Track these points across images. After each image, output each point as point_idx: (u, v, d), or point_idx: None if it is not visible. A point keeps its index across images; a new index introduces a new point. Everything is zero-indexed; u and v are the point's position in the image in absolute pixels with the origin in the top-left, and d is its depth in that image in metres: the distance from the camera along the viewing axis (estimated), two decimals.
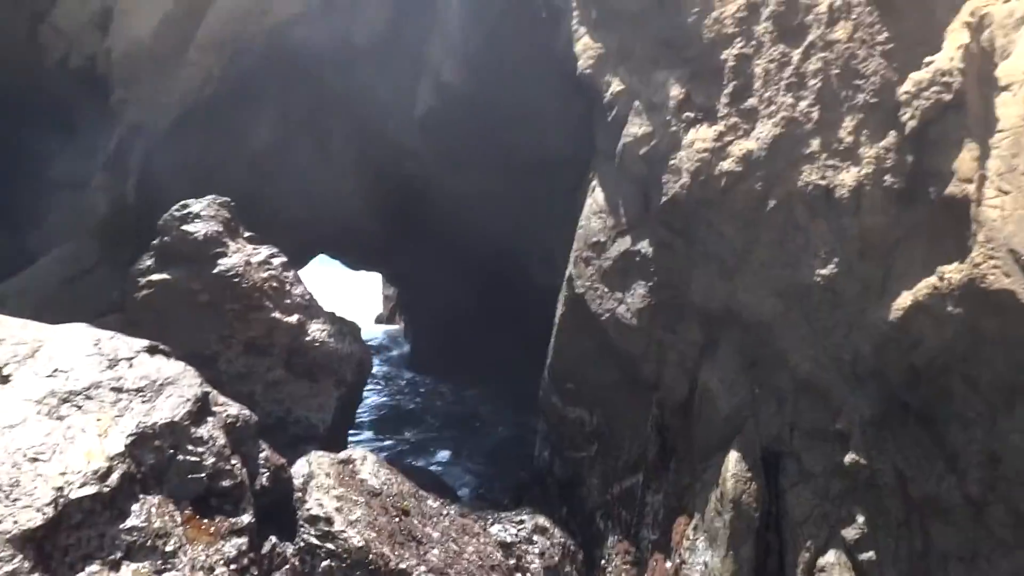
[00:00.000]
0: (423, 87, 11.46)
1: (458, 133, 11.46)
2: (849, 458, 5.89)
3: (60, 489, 4.88)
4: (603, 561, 7.86)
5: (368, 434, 13.25)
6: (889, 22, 5.46)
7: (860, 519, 5.85)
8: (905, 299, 5.42)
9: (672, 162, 6.77)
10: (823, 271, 5.90)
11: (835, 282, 5.88)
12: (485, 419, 14.46)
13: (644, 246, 7.19)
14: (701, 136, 6.56)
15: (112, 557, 4.98)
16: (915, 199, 5.42)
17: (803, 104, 5.88)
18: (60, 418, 5.39)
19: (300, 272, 8.96)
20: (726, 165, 6.36)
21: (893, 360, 5.63)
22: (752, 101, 6.25)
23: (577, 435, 8.44)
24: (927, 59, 5.27)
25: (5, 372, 5.56)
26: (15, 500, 4.69)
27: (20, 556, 4.52)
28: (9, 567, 4.45)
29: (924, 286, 5.32)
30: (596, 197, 7.77)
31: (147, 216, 12.09)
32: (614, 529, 7.92)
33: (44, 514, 4.71)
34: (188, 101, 11.78)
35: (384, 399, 15.87)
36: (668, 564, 7.07)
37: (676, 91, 6.79)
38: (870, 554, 5.72)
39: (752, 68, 6.25)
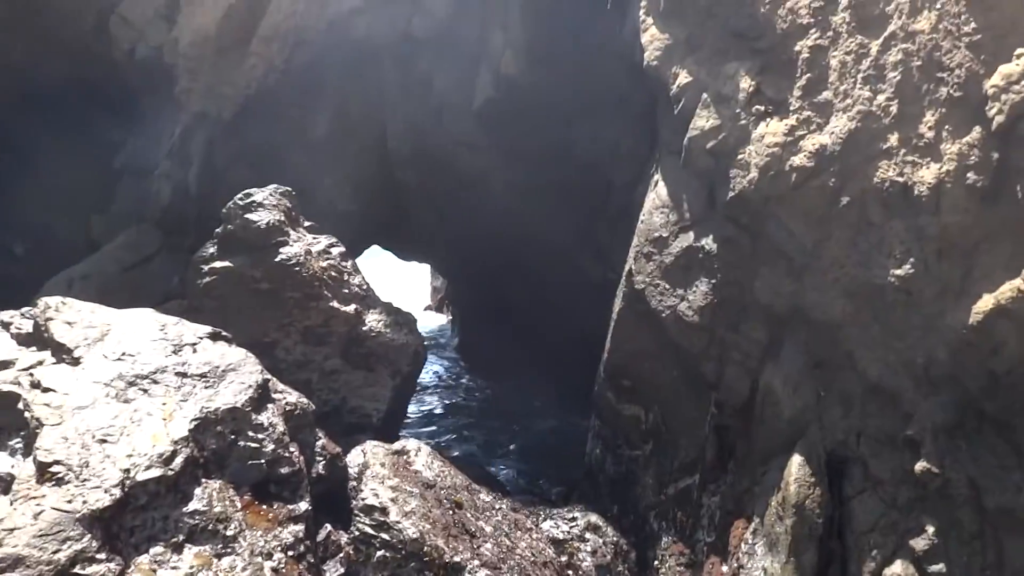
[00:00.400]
0: (481, 78, 11.42)
1: (515, 125, 11.39)
2: (920, 466, 5.67)
3: (127, 471, 4.98)
4: (656, 562, 7.74)
5: (415, 425, 13.32)
6: (977, 12, 5.20)
7: (930, 529, 5.63)
8: (986, 302, 5.18)
9: (740, 156, 6.59)
10: (898, 271, 5.68)
11: (910, 283, 5.65)
12: (532, 414, 14.40)
13: (708, 242, 7.03)
14: (771, 130, 6.37)
15: (175, 539, 5.06)
16: (1000, 198, 5.17)
17: (881, 97, 5.66)
18: (127, 401, 5.50)
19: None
20: (797, 160, 6.17)
21: (970, 366, 5.39)
22: (826, 94, 6.04)
23: (632, 433, 8.32)
24: (1018, 51, 5.01)
25: (76, 354, 5.70)
26: (84, 480, 4.80)
27: (89, 535, 4.62)
28: (78, 545, 4.55)
29: (1007, 289, 5.07)
30: (659, 192, 7.62)
31: (207, 204, 12.35)
32: (668, 530, 7.79)
33: (112, 495, 4.81)
34: (250, 91, 11.97)
35: (430, 391, 15.94)
36: (725, 568, 6.92)
37: (746, 83, 6.61)
38: (940, 566, 5.50)
39: (827, 60, 6.04)
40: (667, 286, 7.37)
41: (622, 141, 10.83)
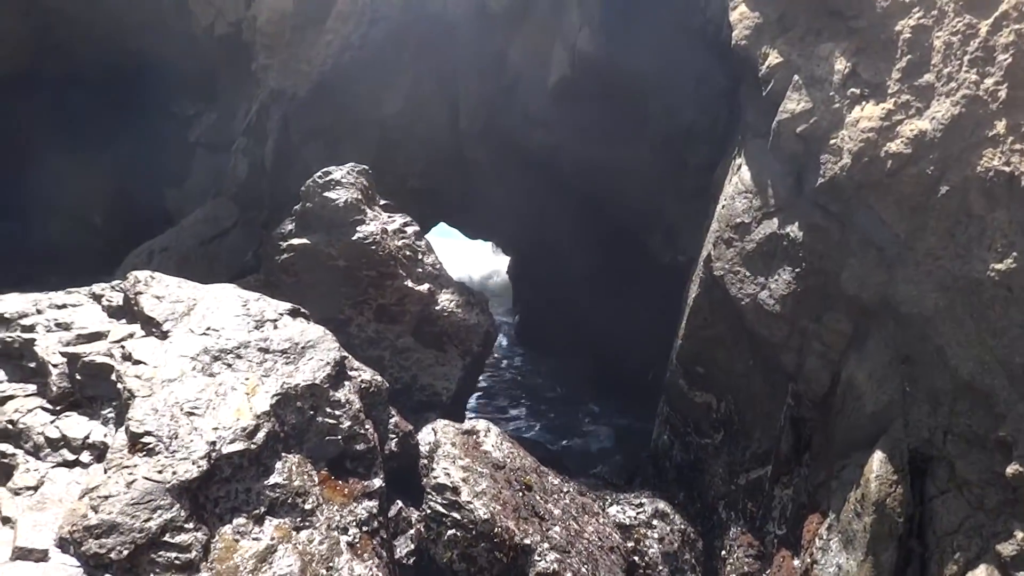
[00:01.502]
0: (556, 55, 11.27)
1: (590, 103, 11.23)
2: (1012, 469, 5.44)
3: (213, 444, 5.12)
4: (723, 552, 7.64)
5: (478, 405, 13.38)
6: None
7: (1019, 535, 5.42)
8: None
9: (832, 141, 6.34)
10: (998, 265, 5.41)
11: (1011, 278, 5.38)
12: (596, 397, 14.33)
13: (793, 229, 6.81)
14: (867, 114, 6.10)
15: (256, 512, 5.19)
16: None
17: (989, 81, 5.35)
18: (212, 375, 5.65)
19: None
20: (894, 146, 5.90)
21: None
22: (928, 77, 5.74)
23: (702, 421, 8.20)
24: None
25: (165, 328, 5.86)
26: (173, 452, 4.95)
27: (178, 505, 4.77)
28: (168, 515, 4.71)
29: None
30: (742, 176, 7.41)
31: (282, 180, 12.57)
32: (737, 520, 7.68)
33: (199, 467, 4.95)
34: (326, 68, 12.05)
35: (492, 370, 15.95)
36: (796, 562, 6.79)
37: (841, 65, 6.34)
38: None
39: (931, 40, 5.73)
40: (748, 273, 7.18)
41: (699, 121, 10.58)
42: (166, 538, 4.63)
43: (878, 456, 6.04)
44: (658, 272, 11.56)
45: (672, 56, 10.08)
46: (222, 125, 16.15)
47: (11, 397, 5.57)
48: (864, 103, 6.15)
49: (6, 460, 5.16)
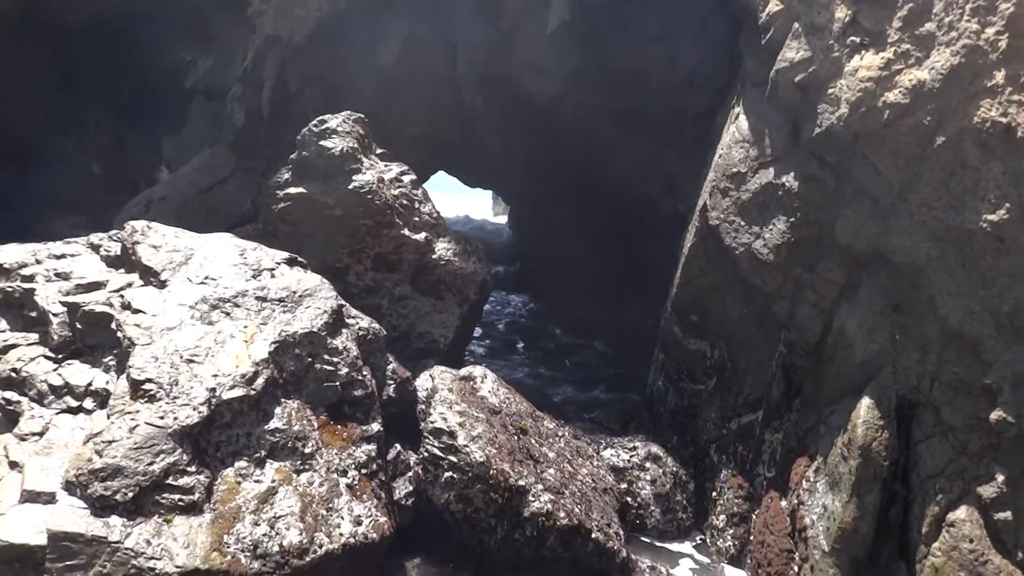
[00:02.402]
0: (556, 1, 11.08)
1: (589, 50, 11.09)
2: (996, 415, 5.55)
3: (213, 390, 5.23)
4: (714, 493, 7.84)
5: (477, 352, 13.51)
6: None
7: (1000, 478, 5.55)
8: None
9: (830, 91, 6.29)
10: (991, 216, 5.42)
11: (1003, 229, 5.40)
12: (594, 344, 14.46)
13: (789, 179, 6.81)
14: (866, 63, 6.04)
15: (257, 455, 5.34)
16: None
17: (990, 31, 5.28)
18: (211, 323, 5.73)
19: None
20: (892, 96, 5.86)
21: None
22: (929, 26, 5.67)
23: (696, 368, 8.32)
24: None
25: (163, 277, 5.92)
26: (175, 398, 5.06)
27: (180, 450, 4.90)
28: (171, 459, 4.84)
29: None
30: (739, 125, 7.37)
31: (279, 128, 12.48)
32: (728, 463, 7.86)
33: (200, 412, 5.08)
34: (322, 14, 11.87)
35: (491, 318, 16.04)
36: (784, 503, 6.98)
37: (842, 13, 6.24)
38: (1006, 514, 5.45)
39: None
40: (743, 223, 7.21)
41: (700, 69, 10.46)
42: (169, 481, 4.78)
43: (865, 402, 6.15)
44: (658, 221, 11.57)
45: (673, 3, 9.91)
46: (218, 72, 15.99)
47: (14, 346, 5.67)
48: (864, 52, 6.08)
49: (11, 407, 5.28)
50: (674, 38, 10.38)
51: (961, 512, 5.63)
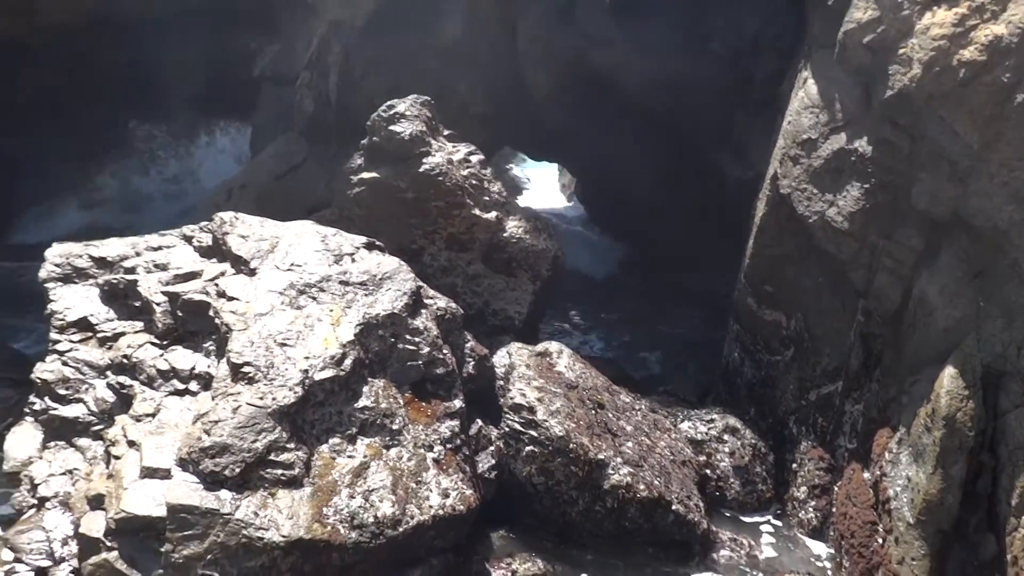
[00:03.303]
0: None
1: (651, 18, 11.00)
2: None
3: (306, 371, 5.52)
4: (794, 465, 7.84)
5: (550, 325, 13.65)
6: None
7: None
8: None
9: (901, 51, 6.13)
10: None
11: None
12: (668, 316, 14.41)
13: (862, 144, 6.69)
14: (938, 20, 5.87)
15: (349, 432, 5.63)
16: None
17: None
18: (299, 308, 6.03)
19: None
20: (967, 54, 5.69)
21: None
22: None
23: (772, 338, 8.28)
24: None
25: (252, 265, 6.24)
26: (271, 380, 5.38)
27: (279, 428, 5.22)
28: (272, 436, 5.17)
29: None
30: (808, 90, 7.25)
31: (346, 112, 12.77)
32: (808, 435, 7.83)
33: (295, 393, 5.38)
34: None
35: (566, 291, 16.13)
36: (866, 475, 6.93)
37: None
38: None
39: None
40: (815, 191, 7.12)
41: (765, 31, 10.28)
42: (272, 457, 5.10)
43: (949, 371, 6.05)
44: (728, 187, 11.45)
45: None
46: (284, 58, 16.36)
47: (122, 334, 6.09)
48: (935, 9, 5.91)
49: (125, 390, 5.70)
50: (736, 2, 10.21)
51: None
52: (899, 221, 6.58)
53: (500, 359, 7.43)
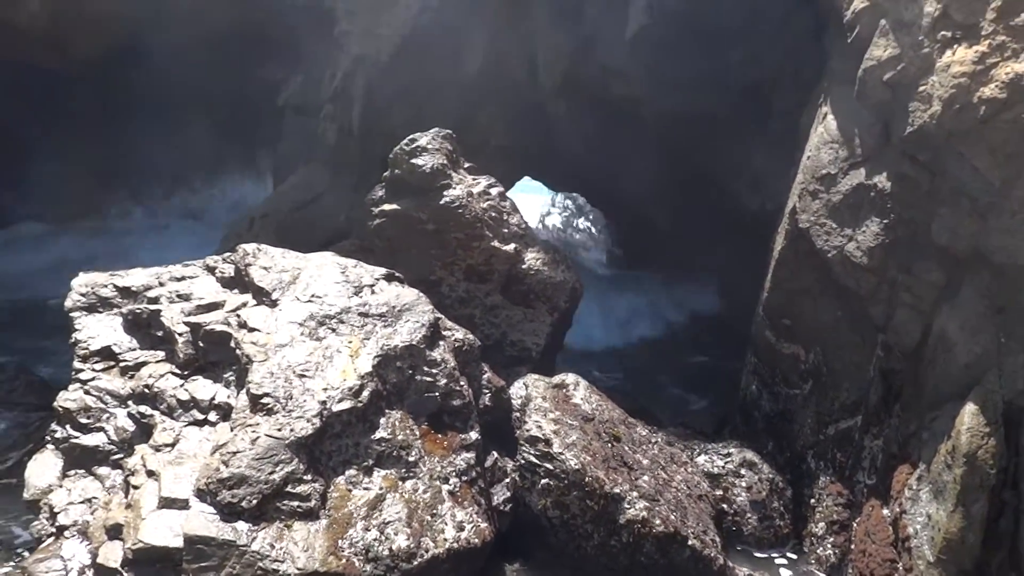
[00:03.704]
0: (634, 6, 11.15)
1: (669, 52, 11.09)
2: None
3: (324, 403, 5.57)
4: (812, 500, 7.74)
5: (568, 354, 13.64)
6: None
7: None
8: None
9: (922, 88, 6.16)
10: None
11: None
12: (683, 346, 14.38)
13: (881, 180, 6.69)
14: (959, 58, 5.90)
15: (366, 464, 5.65)
16: None
17: None
18: (319, 339, 6.09)
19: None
20: (987, 91, 5.70)
21: None
22: None
23: (791, 372, 8.23)
24: None
25: (274, 297, 6.33)
26: (290, 411, 5.43)
27: (296, 459, 5.25)
28: (289, 468, 5.20)
29: None
30: (827, 126, 7.28)
31: (369, 143, 12.97)
32: (826, 470, 7.74)
33: (313, 424, 5.42)
34: (406, 31, 12.27)
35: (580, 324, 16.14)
36: (885, 511, 6.85)
37: (931, 7, 6.10)
38: None
39: None
40: (834, 225, 7.12)
41: (784, 64, 10.33)
42: (288, 488, 5.14)
43: (970, 408, 5.99)
44: (746, 220, 11.46)
45: (754, 1, 9.82)
46: (308, 89, 16.67)
47: (144, 363, 6.18)
48: (956, 47, 5.93)
49: (145, 420, 5.78)
50: (756, 36, 10.28)
51: None
52: (918, 256, 6.56)
53: (517, 391, 7.43)
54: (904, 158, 6.51)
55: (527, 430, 6.96)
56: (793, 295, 7.95)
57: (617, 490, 6.64)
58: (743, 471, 8.01)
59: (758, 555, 7.51)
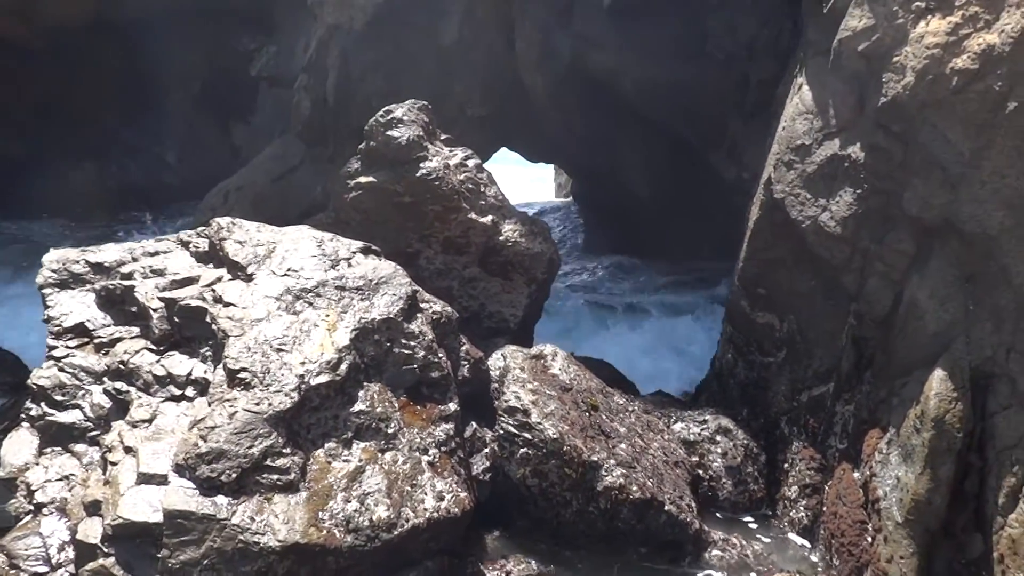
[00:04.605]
0: None
1: (647, 21, 11.05)
2: None
3: (302, 377, 5.57)
4: (786, 465, 7.90)
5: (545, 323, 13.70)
6: None
7: None
8: None
9: (896, 59, 6.19)
10: None
11: None
12: (659, 314, 14.50)
13: (855, 150, 6.74)
14: (932, 29, 5.92)
15: (345, 436, 5.68)
16: None
17: None
18: (296, 313, 6.08)
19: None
20: (960, 62, 5.74)
21: None
22: None
23: (765, 340, 8.34)
24: None
25: (249, 271, 6.29)
26: (268, 385, 5.43)
27: (275, 433, 5.27)
28: (268, 442, 5.22)
29: None
30: (802, 96, 7.30)
31: (344, 114, 12.84)
32: (799, 435, 7.89)
33: (291, 398, 5.43)
34: (380, 0, 12.10)
35: (559, 288, 16.20)
36: (856, 475, 7.01)
37: None
38: None
39: None
40: (808, 196, 7.18)
41: (761, 34, 10.33)
42: (268, 462, 5.15)
43: (938, 374, 6.12)
44: (725, 191, 11.52)
45: None
46: (282, 59, 16.44)
47: (120, 339, 6.13)
48: (929, 18, 5.96)
49: (121, 396, 5.74)
50: (732, 4, 10.25)
51: None
52: (890, 226, 6.64)
53: (495, 362, 7.48)
54: (878, 129, 6.55)
55: (505, 401, 7.02)
56: (768, 265, 8.02)
57: (595, 458, 6.74)
58: (718, 437, 8.15)
59: (733, 518, 7.68)
